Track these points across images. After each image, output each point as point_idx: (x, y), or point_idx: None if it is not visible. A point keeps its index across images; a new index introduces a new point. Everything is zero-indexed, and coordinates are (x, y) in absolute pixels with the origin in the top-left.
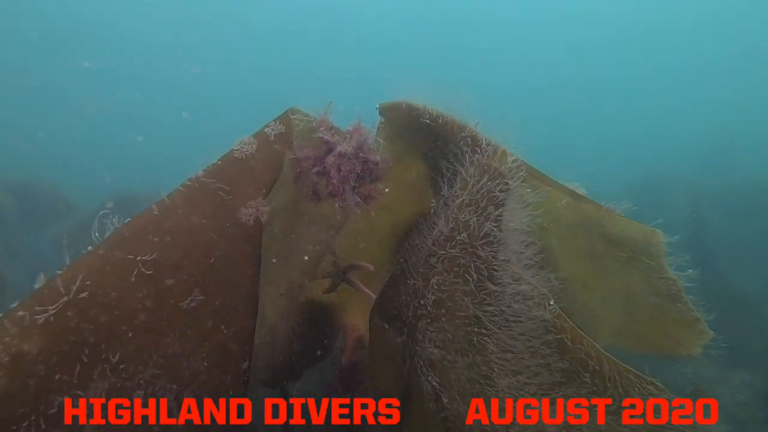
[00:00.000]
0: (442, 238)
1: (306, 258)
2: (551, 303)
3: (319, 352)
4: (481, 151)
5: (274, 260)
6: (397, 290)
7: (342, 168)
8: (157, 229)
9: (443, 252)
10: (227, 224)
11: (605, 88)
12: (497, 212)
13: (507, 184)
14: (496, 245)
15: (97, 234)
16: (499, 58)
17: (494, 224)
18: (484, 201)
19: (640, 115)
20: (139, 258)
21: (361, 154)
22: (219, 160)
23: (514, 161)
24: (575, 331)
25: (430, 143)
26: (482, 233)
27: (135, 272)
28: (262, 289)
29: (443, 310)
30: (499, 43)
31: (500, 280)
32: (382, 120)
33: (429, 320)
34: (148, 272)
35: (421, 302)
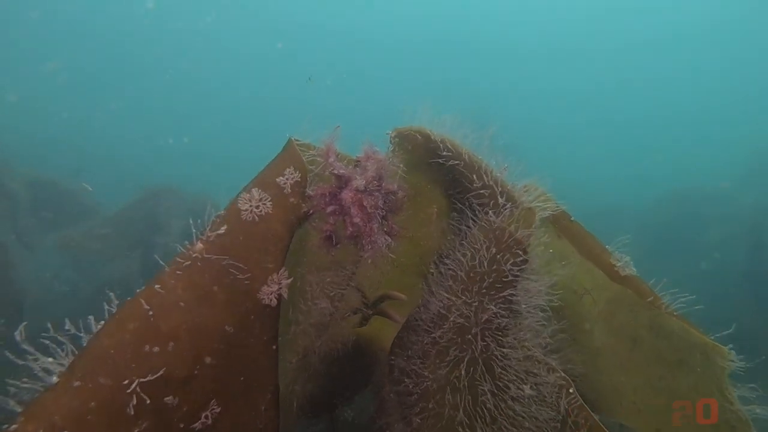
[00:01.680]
0: (435, 315)
1: (320, 316)
2: (571, 391)
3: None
4: (496, 210)
5: (284, 329)
6: (402, 349)
7: (366, 204)
8: (155, 334)
9: (436, 334)
10: (244, 310)
11: (635, 94)
12: (506, 292)
13: (523, 255)
14: (501, 332)
15: (48, 363)
16: (520, 62)
17: (501, 307)
18: (491, 277)
19: (670, 123)
20: (136, 381)
21: (384, 185)
22: (224, 225)
23: (543, 217)
24: (599, 429)
25: (448, 181)
26: (483, 319)
27: (133, 402)
28: None
29: (430, 404)
30: (518, 45)
31: (503, 378)
32: (396, 146)
33: (417, 410)
34: (148, 398)
35: (410, 386)
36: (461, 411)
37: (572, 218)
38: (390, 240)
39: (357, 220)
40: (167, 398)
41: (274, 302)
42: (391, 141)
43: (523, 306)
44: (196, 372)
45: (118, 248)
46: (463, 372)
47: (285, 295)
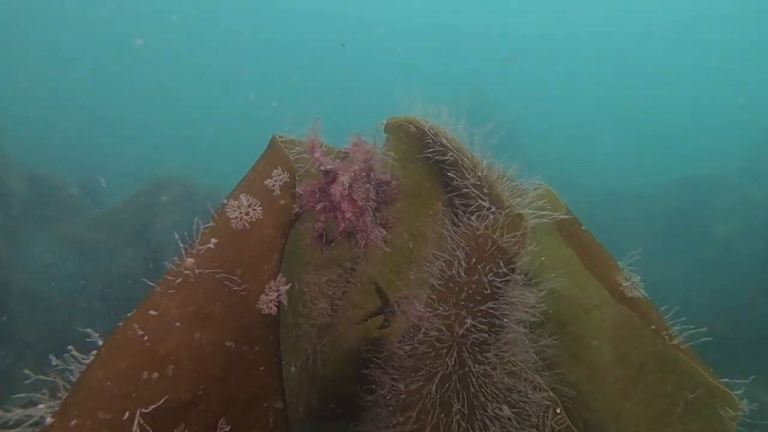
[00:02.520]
0: (412, 325)
1: (320, 316)
2: (558, 411)
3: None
4: (480, 214)
5: (285, 334)
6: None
7: (356, 197)
8: (153, 359)
9: (411, 345)
10: (244, 322)
11: (642, 80)
12: (486, 306)
13: (505, 267)
14: (479, 348)
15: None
16: (529, 49)
17: (480, 321)
18: (470, 288)
19: (678, 109)
20: (138, 412)
21: (373, 176)
22: (213, 236)
23: (540, 224)
24: None
25: (443, 176)
26: (459, 333)
27: None
28: None
29: (401, 419)
30: (530, 33)
31: (479, 396)
32: (390, 136)
33: (391, 423)
34: (153, 429)
35: (387, 398)
36: (429, 430)
37: (583, 227)
38: (385, 232)
39: (349, 214)
40: (173, 425)
41: (274, 310)
42: (385, 131)
43: (506, 320)
44: (200, 393)
45: (121, 239)
46: (434, 388)
47: (285, 302)
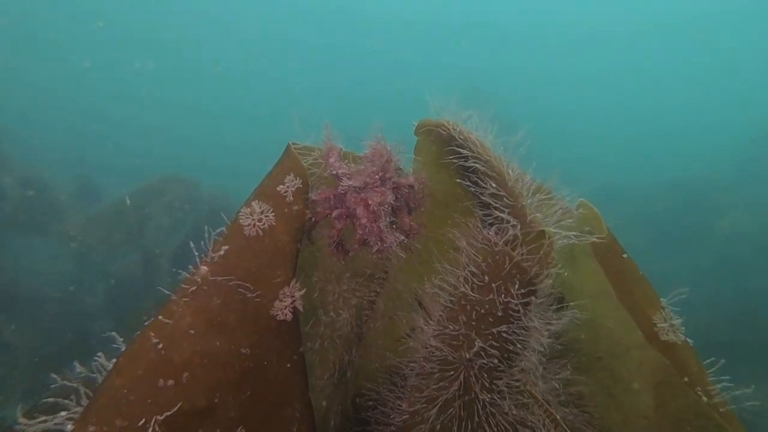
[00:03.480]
0: (422, 344)
1: (345, 326)
2: None
3: None
4: (500, 228)
5: (310, 344)
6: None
7: (371, 201)
8: (168, 367)
9: (418, 364)
10: (259, 329)
11: (643, 80)
12: (498, 329)
13: (526, 289)
14: (488, 374)
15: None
16: (529, 49)
17: (492, 345)
18: (483, 308)
19: (679, 108)
20: (153, 419)
21: (387, 177)
22: (226, 244)
23: (568, 244)
24: None
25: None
26: (467, 356)
27: None
28: None
29: None
30: (535, 30)
31: (484, 427)
32: (421, 139)
33: None
34: None
35: (390, 416)
36: None
37: (625, 254)
38: (403, 237)
39: (364, 221)
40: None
41: (290, 316)
42: (415, 133)
43: (521, 347)
44: (216, 401)
45: (121, 238)
46: (435, 413)
47: (300, 308)
